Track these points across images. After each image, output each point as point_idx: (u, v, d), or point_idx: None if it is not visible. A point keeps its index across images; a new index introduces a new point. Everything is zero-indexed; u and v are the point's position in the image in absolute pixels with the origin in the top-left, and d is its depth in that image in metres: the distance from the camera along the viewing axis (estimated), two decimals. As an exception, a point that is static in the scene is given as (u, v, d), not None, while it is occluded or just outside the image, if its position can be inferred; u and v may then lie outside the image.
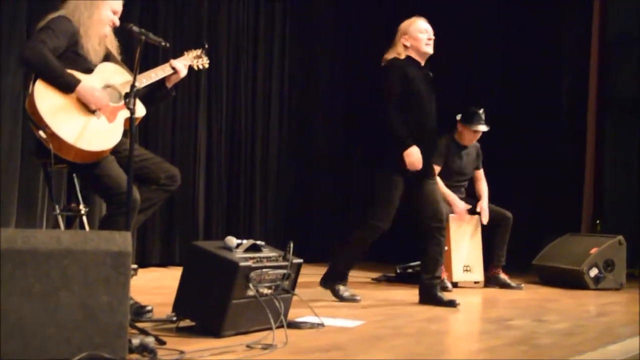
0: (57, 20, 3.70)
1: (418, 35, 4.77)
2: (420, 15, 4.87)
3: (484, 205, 6.00)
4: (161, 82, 3.99)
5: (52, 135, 3.47)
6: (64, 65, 3.60)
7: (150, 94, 3.99)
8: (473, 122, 6.02)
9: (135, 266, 3.90)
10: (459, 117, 6.07)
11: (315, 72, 8.27)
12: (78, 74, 3.62)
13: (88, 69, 3.72)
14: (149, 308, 3.68)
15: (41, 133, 3.49)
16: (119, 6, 3.88)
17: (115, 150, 3.69)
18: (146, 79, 3.89)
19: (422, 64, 4.80)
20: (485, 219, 5.95)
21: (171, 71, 4.00)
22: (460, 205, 5.95)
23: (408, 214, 4.81)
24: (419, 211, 4.79)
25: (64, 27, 3.68)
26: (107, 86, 3.73)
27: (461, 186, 6.14)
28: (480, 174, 6.20)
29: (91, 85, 3.62)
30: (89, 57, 3.74)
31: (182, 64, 4.04)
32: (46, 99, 3.51)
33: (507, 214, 5.99)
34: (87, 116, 3.58)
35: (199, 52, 4.21)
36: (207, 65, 4.26)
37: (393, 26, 4.95)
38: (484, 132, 6.06)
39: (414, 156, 4.57)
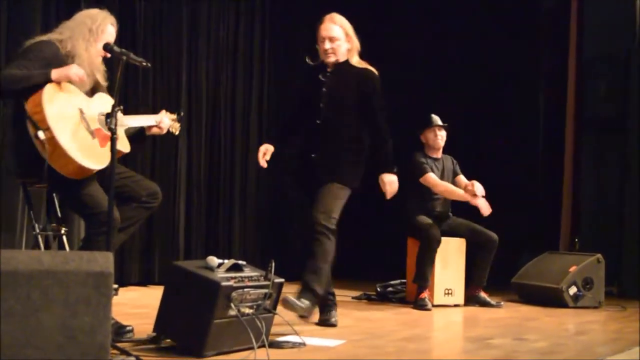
0: (35, 46, 3.68)
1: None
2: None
3: (479, 198, 5.99)
4: (141, 127, 4.04)
5: (51, 140, 3.45)
6: None
7: (133, 136, 4.01)
8: (429, 122, 6.13)
9: (116, 286, 3.89)
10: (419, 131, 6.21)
11: (293, 92, 8.29)
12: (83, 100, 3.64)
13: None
14: (129, 328, 3.66)
15: (40, 134, 3.45)
16: (113, 37, 3.87)
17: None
18: (133, 121, 3.95)
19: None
20: (486, 211, 5.97)
21: (158, 121, 4.05)
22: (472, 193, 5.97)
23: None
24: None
25: (42, 54, 3.64)
26: (102, 114, 3.71)
27: (442, 199, 6.17)
28: (462, 178, 6.23)
29: (64, 67, 3.58)
30: (75, 84, 3.70)
31: (167, 123, 4.10)
32: (54, 104, 3.52)
33: (493, 236, 5.99)
34: (86, 134, 3.57)
35: (175, 116, 4.24)
36: (177, 132, 4.31)
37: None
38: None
39: None
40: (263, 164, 4.48)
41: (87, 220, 3.81)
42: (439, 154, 6.23)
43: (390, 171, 4.52)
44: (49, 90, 3.52)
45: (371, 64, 4.55)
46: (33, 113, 3.50)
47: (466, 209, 6.40)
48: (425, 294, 5.72)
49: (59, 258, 2.63)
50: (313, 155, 4.45)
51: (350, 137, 4.47)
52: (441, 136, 6.16)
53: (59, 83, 3.58)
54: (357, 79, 4.46)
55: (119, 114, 3.61)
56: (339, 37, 4.45)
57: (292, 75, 8.14)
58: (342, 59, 4.48)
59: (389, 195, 4.57)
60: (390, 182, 4.51)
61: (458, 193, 6.02)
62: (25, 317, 2.52)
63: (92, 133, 3.64)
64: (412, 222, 5.99)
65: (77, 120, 3.57)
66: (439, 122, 6.16)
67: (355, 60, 4.50)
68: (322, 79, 4.48)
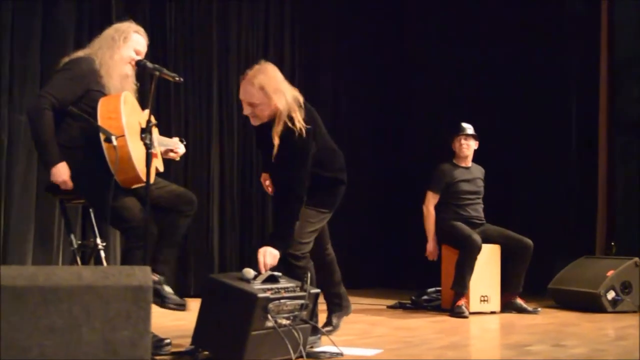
0: (75, 63, 3.80)
1: None
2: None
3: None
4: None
5: (123, 147, 3.55)
6: (89, 105, 3.68)
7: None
8: (458, 130, 6.17)
9: (184, 302, 3.90)
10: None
11: (323, 103, 8.33)
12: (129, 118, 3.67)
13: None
14: (167, 341, 3.69)
15: (113, 139, 3.53)
16: (142, 47, 3.94)
17: None
18: (160, 143, 4.08)
19: None
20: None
21: (177, 147, 4.21)
22: (430, 248, 6.15)
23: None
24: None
25: (80, 70, 3.76)
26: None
27: (477, 204, 6.18)
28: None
29: (65, 170, 3.69)
30: (108, 94, 3.79)
31: (183, 150, 4.28)
32: (129, 114, 3.62)
33: (528, 242, 5.95)
34: (142, 148, 3.60)
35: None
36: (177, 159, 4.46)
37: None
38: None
39: None
40: (270, 191, 4.38)
41: (124, 233, 3.86)
42: (469, 163, 6.21)
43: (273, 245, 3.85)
44: (126, 98, 3.65)
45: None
46: (107, 118, 3.59)
47: (499, 216, 6.38)
48: (462, 302, 5.69)
49: (99, 273, 2.66)
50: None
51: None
52: (467, 145, 6.15)
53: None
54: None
55: (156, 134, 3.69)
56: (260, 102, 3.88)
57: (320, 87, 8.19)
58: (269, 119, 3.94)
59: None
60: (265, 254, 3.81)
61: (429, 233, 6.16)
62: (67, 332, 2.54)
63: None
64: (449, 230, 5.99)
65: (138, 132, 3.64)
66: (468, 131, 6.15)
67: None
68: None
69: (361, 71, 8.64)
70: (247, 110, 3.92)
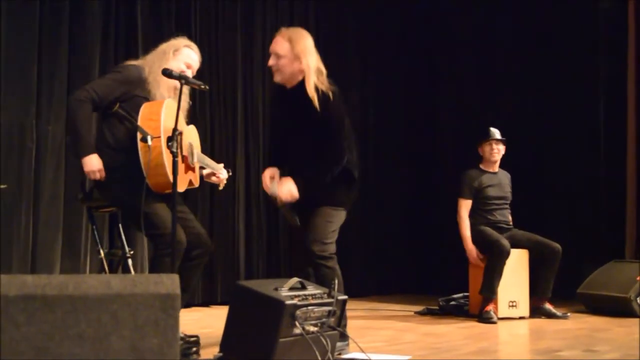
0: (122, 68, 4.01)
1: None
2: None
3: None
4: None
5: (156, 148, 3.64)
6: (134, 110, 3.80)
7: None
8: (487, 135, 6.13)
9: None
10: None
11: (348, 108, 8.32)
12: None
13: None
14: (194, 342, 3.74)
15: (149, 139, 3.63)
16: (193, 61, 4.07)
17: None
18: (208, 162, 4.23)
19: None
20: None
21: (219, 172, 4.34)
22: (472, 254, 6.01)
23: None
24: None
25: (127, 75, 3.92)
26: (191, 145, 4.00)
27: (504, 209, 6.14)
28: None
29: (97, 161, 3.81)
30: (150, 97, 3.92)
31: (225, 176, 4.40)
32: (168, 118, 3.69)
33: (556, 246, 5.89)
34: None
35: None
36: (221, 188, 4.56)
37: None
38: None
39: None
40: (267, 185, 4.18)
41: (153, 240, 3.90)
42: (496, 168, 6.18)
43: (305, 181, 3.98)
44: (168, 104, 3.75)
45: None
46: (147, 119, 3.70)
47: (527, 221, 6.33)
48: (490, 307, 5.65)
49: (127, 281, 2.66)
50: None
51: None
52: (497, 150, 6.12)
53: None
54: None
55: (198, 149, 3.94)
56: (285, 54, 3.96)
57: (344, 92, 8.16)
58: (292, 79, 4.01)
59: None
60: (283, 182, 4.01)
61: (465, 240, 6.04)
62: (96, 341, 2.55)
63: (182, 157, 3.83)
64: (477, 235, 5.96)
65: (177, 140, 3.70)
66: (497, 136, 6.12)
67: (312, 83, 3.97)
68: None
69: (387, 75, 8.62)
70: (271, 61, 4.00)
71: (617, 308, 5.93)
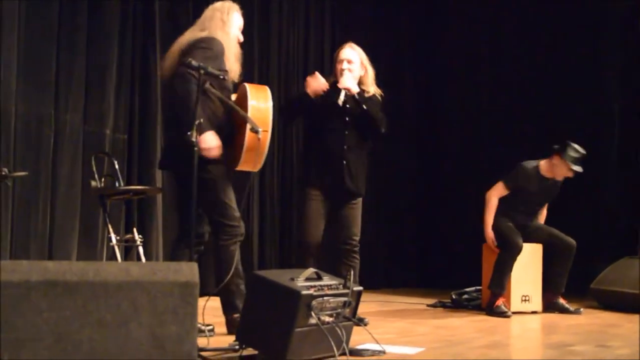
0: (212, 42, 3.94)
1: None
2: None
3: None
4: None
5: (264, 140, 3.86)
6: (219, 85, 3.85)
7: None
8: (573, 160, 5.79)
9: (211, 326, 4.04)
10: (557, 147, 5.86)
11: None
12: None
13: (227, 89, 4.00)
14: (210, 327, 3.78)
15: (260, 132, 3.79)
16: (241, 24, 4.14)
17: None
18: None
19: None
20: None
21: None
22: (490, 237, 5.89)
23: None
24: (333, 232, 4.78)
25: (217, 50, 3.93)
26: None
27: (533, 213, 6.07)
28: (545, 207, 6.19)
29: (214, 137, 3.89)
30: (228, 77, 3.97)
31: None
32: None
33: (572, 242, 5.87)
34: None
35: None
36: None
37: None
38: None
39: None
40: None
41: (218, 227, 4.03)
42: (557, 179, 5.97)
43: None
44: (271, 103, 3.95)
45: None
46: (257, 111, 3.87)
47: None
48: (500, 301, 5.65)
49: (146, 269, 2.70)
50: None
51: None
52: (569, 177, 5.89)
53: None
54: None
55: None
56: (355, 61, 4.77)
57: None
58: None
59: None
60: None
61: (486, 223, 5.89)
62: (115, 327, 2.59)
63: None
64: (495, 224, 5.90)
65: None
66: (579, 168, 5.81)
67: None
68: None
69: (400, 72, 8.62)
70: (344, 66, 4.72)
71: (630, 304, 5.93)
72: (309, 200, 4.64)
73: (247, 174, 4.12)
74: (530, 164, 5.93)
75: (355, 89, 4.66)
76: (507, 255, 5.74)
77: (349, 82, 4.66)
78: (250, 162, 3.94)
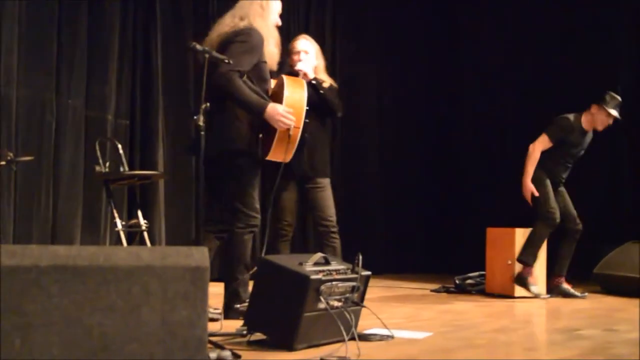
0: (249, 34, 3.89)
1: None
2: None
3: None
4: None
5: (295, 137, 3.92)
6: (256, 77, 3.86)
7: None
8: (611, 106, 5.76)
9: (219, 310, 4.06)
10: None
11: (365, 92, 8.32)
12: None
13: (264, 79, 3.98)
14: (218, 311, 3.77)
15: (291, 129, 3.88)
16: (280, 7, 4.11)
17: None
18: None
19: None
20: None
21: None
22: (528, 189, 5.79)
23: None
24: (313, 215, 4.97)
25: (255, 42, 3.89)
26: None
27: (570, 167, 6.00)
28: None
29: (278, 106, 3.88)
30: (267, 63, 3.97)
31: None
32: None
33: (579, 225, 5.88)
34: None
35: None
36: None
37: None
38: None
39: None
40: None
41: (238, 215, 4.00)
42: (591, 132, 5.95)
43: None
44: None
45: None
46: (291, 105, 3.92)
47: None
48: (531, 278, 5.67)
49: (157, 253, 2.67)
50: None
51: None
52: (608, 125, 5.86)
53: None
54: None
55: None
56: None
57: (360, 69, 8.16)
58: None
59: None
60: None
61: (526, 176, 5.79)
62: (126, 312, 2.56)
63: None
64: (536, 182, 5.79)
65: None
66: (618, 114, 5.78)
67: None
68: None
69: (405, 60, 8.58)
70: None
71: (633, 289, 5.93)
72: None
73: (276, 164, 4.09)
74: (570, 115, 5.87)
75: (311, 75, 4.76)
76: (544, 228, 5.71)
77: (305, 66, 4.76)
78: (281, 153, 3.97)
